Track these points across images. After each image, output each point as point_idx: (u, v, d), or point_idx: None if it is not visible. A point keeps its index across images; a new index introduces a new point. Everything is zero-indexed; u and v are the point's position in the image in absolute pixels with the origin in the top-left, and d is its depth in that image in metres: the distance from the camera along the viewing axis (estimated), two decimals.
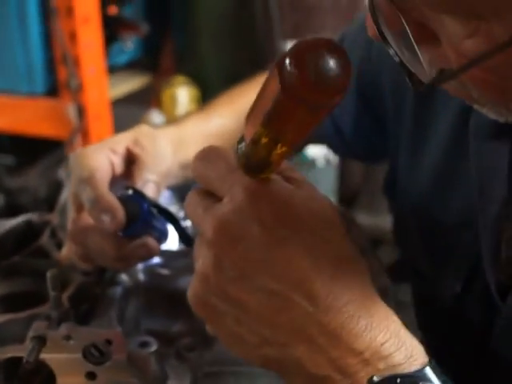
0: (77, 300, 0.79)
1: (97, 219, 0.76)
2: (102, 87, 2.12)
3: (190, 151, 0.96)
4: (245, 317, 0.55)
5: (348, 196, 2.11)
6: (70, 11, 1.97)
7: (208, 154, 0.60)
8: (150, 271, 0.87)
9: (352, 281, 0.55)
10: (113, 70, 2.25)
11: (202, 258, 0.57)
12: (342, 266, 0.55)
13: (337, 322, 0.53)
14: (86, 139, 2.12)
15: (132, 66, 2.41)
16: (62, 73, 2.06)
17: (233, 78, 2.45)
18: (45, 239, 0.93)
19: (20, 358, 0.75)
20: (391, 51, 0.54)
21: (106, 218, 0.75)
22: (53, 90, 2.11)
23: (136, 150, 0.84)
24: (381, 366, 0.53)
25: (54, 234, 0.94)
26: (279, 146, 0.51)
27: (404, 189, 0.87)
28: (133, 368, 0.73)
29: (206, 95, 2.35)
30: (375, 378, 0.53)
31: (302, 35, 2.09)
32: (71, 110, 2.08)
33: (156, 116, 2.24)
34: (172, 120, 2.32)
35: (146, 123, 2.34)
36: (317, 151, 1.96)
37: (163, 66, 2.50)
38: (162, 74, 2.49)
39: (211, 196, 0.59)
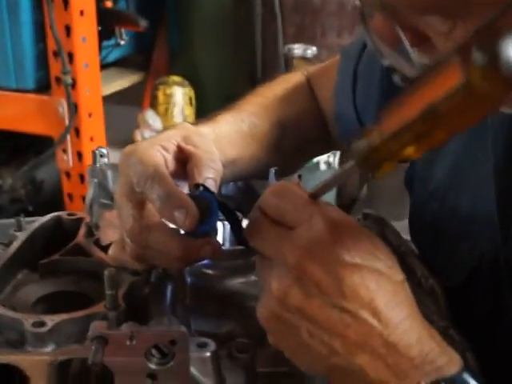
0: (129, 300, 0.76)
1: (169, 217, 0.73)
2: (95, 84, 2.08)
3: (228, 150, 0.95)
4: (317, 330, 0.63)
5: (347, 200, 2.11)
6: (65, 2, 1.93)
7: (281, 189, 0.68)
8: (197, 272, 0.85)
9: (404, 301, 0.64)
10: (103, 66, 2.21)
11: (278, 279, 0.64)
12: (398, 289, 0.64)
13: (395, 334, 0.62)
14: (77, 137, 2.08)
15: (123, 64, 2.37)
16: (55, 68, 2.02)
17: (229, 78, 2.44)
18: (81, 237, 0.90)
19: (71, 360, 0.72)
20: (380, 56, 0.65)
21: (179, 216, 0.72)
22: (44, 85, 2.06)
23: (189, 148, 0.81)
24: (427, 369, 0.62)
25: (90, 233, 0.90)
26: (422, 142, 0.53)
27: (423, 179, 0.90)
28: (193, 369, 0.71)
29: (201, 95, 2.33)
30: (423, 383, 0.62)
31: (305, 38, 2.07)
32: (63, 107, 2.03)
33: (151, 116, 2.21)
34: (168, 120, 2.29)
35: (140, 122, 2.32)
36: None
37: (155, 65, 2.47)
38: (154, 72, 2.45)
39: (281, 225, 0.66)
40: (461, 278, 0.82)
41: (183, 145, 0.82)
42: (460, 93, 0.47)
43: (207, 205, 0.75)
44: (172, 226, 0.76)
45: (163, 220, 0.76)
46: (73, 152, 2.11)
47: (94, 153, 1.06)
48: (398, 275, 0.65)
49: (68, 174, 2.16)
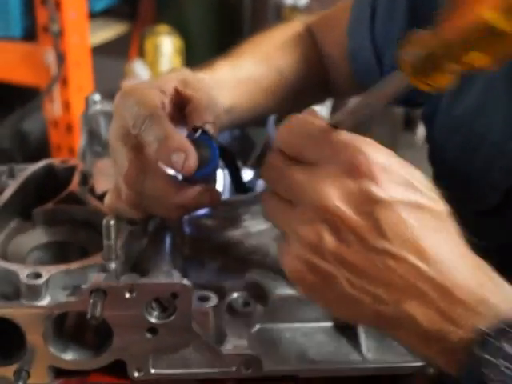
0: (128, 250, 0.73)
1: (166, 160, 0.68)
2: (83, 33, 2.03)
3: (226, 97, 0.91)
4: (358, 278, 0.57)
5: None
6: None
7: (297, 123, 0.61)
8: (196, 222, 0.82)
9: (449, 236, 0.57)
10: (89, 16, 2.15)
11: (307, 223, 0.57)
12: (440, 223, 0.57)
13: (444, 275, 0.55)
14: (64, 87, 2.03)
15: (109, 14, 2.31)
16: (42, 16, 1.96)
17: (217, 27, 2.38)
18: (75, 185, 0.86)
19: (67, 313, 0.70)
20: None
21: (177, 159, 0.67)
22: (31, 34, 2.00)
23: (188, 92, 0.77)
24: (481, 309, 0.55)
25: (85, 181, 0.87)
26: (493, 46, 0.47)
27: (447, 109, 0.88)
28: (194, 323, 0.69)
29: (189, 45, 2.27)
30: (485, 329, 0.54)
31: None
32: (50, 56, 1.98)
33: (139, 66, 2.15)
34: (156, 71, 2.24)
35: (127, 73, 2.26)
36: None
37: (142, 14, 2.40)
38: (141, 22, 2.39)
39: (301, 163, 0.59)
40: (495, 199, 0.79)
41: (182, 88, 0.78)
42: None
43: (206, 149, 0.71)
44: (170, 171, 0.72)
45: (160, 165, 0.72)
46: (61, 102, 2.06)
47: (86, 99, 1.03)
48: (442, 207, 0.58)
49: (55, 125, 2.11)
